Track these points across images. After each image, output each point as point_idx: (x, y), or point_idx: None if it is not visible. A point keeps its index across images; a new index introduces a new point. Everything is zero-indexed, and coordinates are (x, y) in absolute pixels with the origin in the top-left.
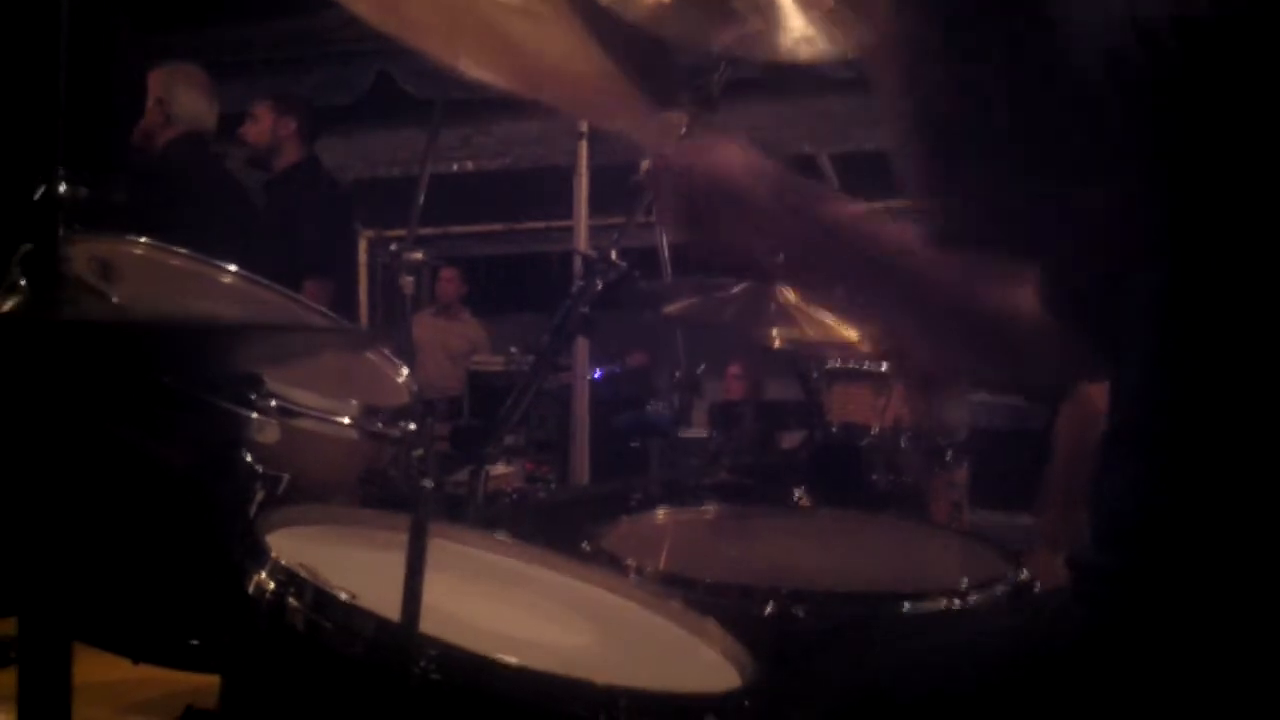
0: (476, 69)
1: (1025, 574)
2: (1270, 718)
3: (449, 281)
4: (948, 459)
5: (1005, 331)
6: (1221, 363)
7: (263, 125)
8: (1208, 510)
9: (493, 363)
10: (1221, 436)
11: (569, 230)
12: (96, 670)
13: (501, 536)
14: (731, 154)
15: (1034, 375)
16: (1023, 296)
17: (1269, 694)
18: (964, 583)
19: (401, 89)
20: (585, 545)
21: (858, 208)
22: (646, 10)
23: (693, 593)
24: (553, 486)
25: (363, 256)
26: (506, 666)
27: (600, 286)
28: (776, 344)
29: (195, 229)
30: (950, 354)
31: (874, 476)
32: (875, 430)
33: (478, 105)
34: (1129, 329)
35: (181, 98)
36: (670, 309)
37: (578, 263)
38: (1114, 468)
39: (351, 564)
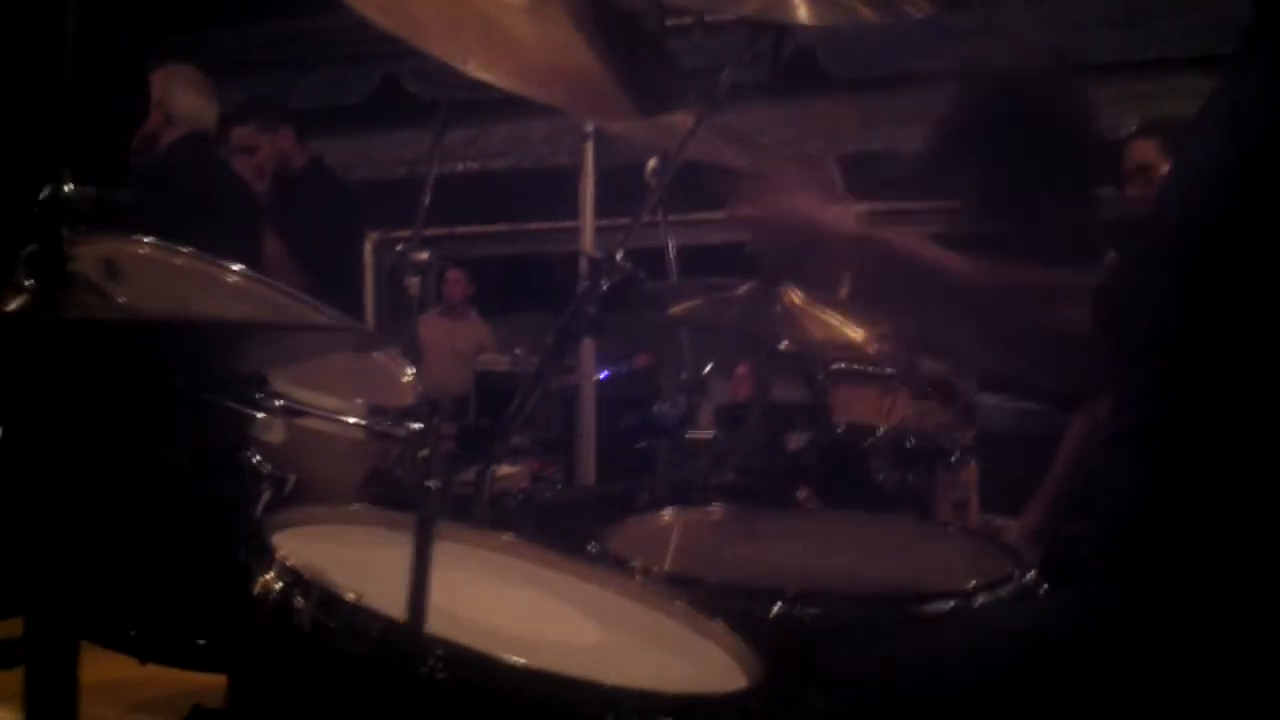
0: (482, 69)
1: (1031, 575)
2: (1269, 715)
3: (456, 283)
4: (953, 460)
5: (1073, 346)
6: (1226, 365)
7: (264, 153)
8: (1209, 510)
9: (499, 363)
10: (1224, 438)
11: (575, 231)
12: (103, 670)
13: (508, 537)
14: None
15: (1063, 382)
16: (1067, 309)
17: (1267, 692)
18: (970, 584)
19: (406, 90)
20: (591, 546)
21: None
22: None
23: (699, 593)
24: (559, 487)
25: (369, 257)
26: (513, 666)
27: (606, 287)
28: (783, 345)
29: (201, 229)
30: (986, 359)
31: (880, 477)
32: (881, 431)
33: (483, 106)
34: (1140, 333)
35: (181, 98)
36: (676, 310)
37: (583, 263)
38: (1116, 468)
39: (358, 564)
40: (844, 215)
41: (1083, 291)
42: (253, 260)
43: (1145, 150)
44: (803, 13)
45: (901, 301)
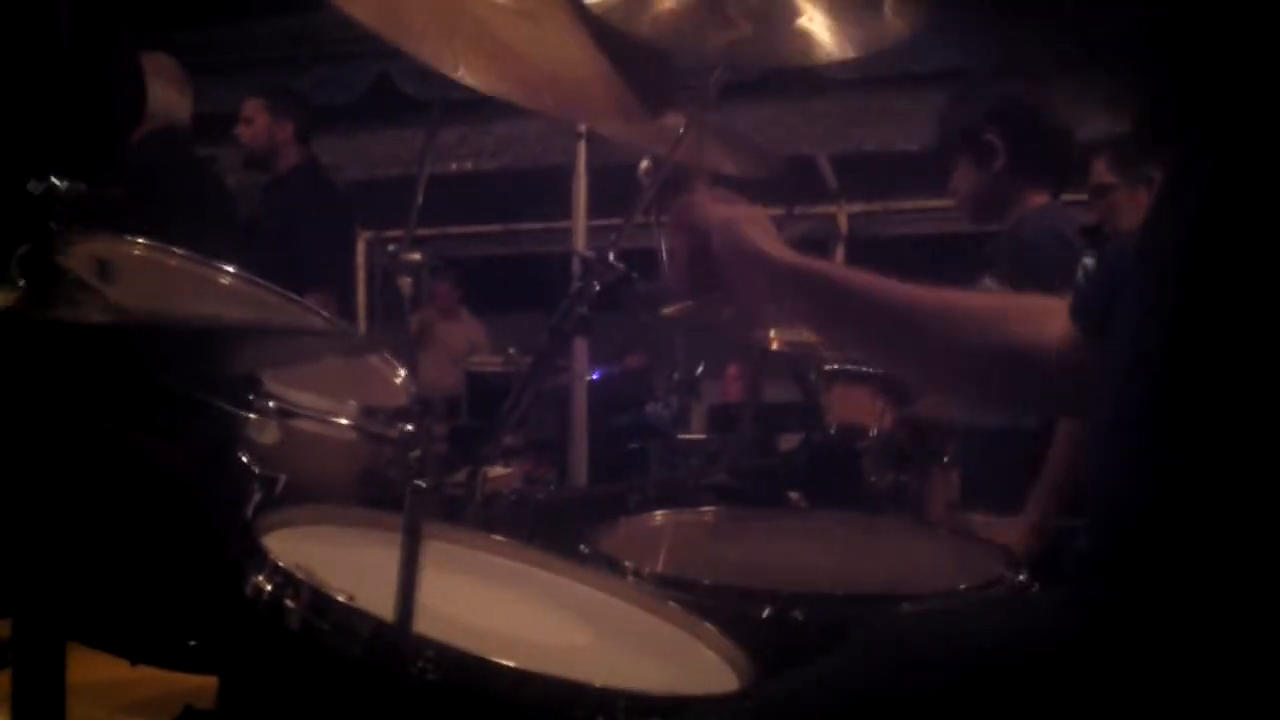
0: (474, 75)
1: (1023, 575)
2: (1269, 713)
3: (444, 295)
4: (945, 460)
5: (1028, 364)
6: (1229, 353)
7: (257, 127)
8: (1210, 501)
9: (491, 363)
10: (1226, 427)
11: (567, 231)
12: (94, 671)
13: (499, 538)
14: (744, 212)
15: (1049, 408)
16: (1052, 328)
17: (1268, 688)
18: (963, 585)
19: (400, 89)
20: (583, 547)
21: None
22: (641, 17)
23: (691, 595)
24: (551, 488)
25: (361, 257)
26: (504, 668)
27: (598, 287)
28: (774, 346)
29: (171, 225)
30: (961, 390)
31: (872, 478)
32: (873, 432)
33: (476, 105)
34: (1138, 319)
35: (154, 90)
36: (668, 311)
37: (576, 263)
38: (1115, 457)
39: (349, 565)
40: (778, 244)
41: (1032, 309)
42: (225, 258)
43: (1100, 170)
44: (778, 53)
45: (843, 330)
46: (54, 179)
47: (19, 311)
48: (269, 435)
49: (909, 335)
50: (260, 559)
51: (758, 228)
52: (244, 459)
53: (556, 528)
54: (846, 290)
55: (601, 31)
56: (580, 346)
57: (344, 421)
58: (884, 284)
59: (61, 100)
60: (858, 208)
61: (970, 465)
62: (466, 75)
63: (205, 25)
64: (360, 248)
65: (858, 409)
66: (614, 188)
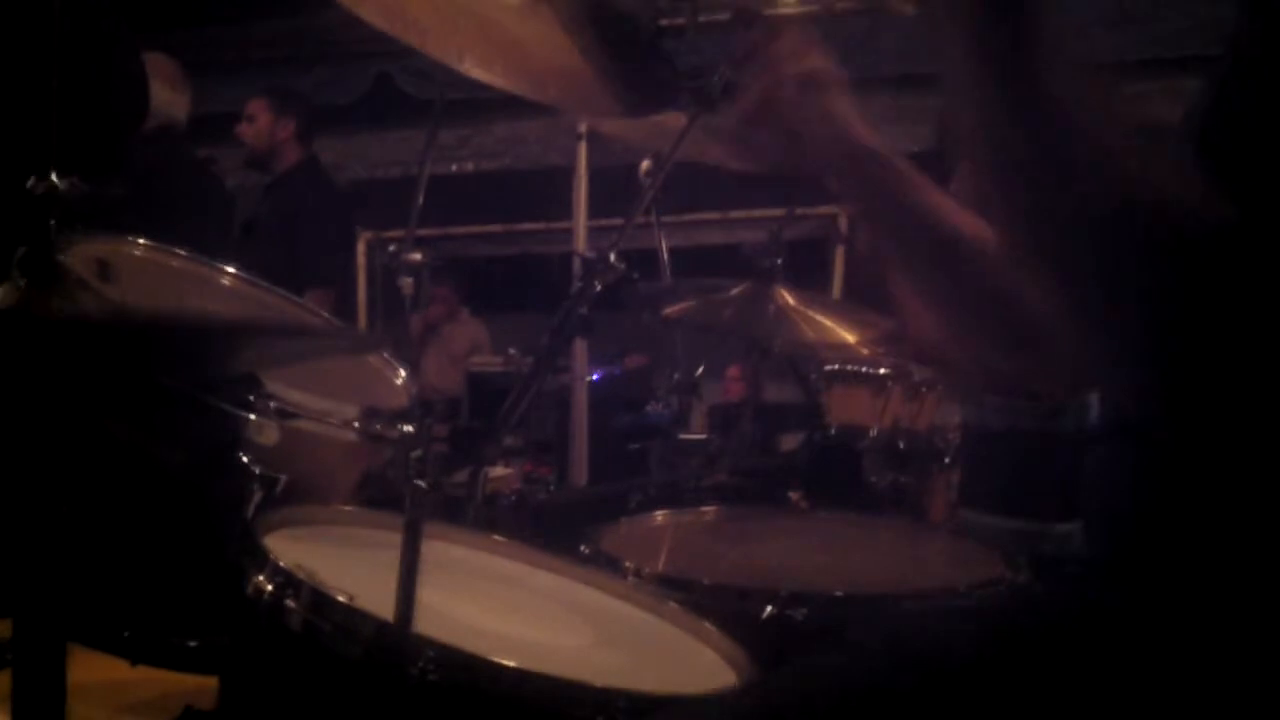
0: (477, 69)
1: (1024, 575)
2: (1269, 712)
3: (445, 295)
4: (946, 461)
5: (1035, 324)
6: (1230, 353)
7: (260, 125)
8: (1210, 501)
9: (492, 364)
10: (1222, 431)
11: (568, 231)
12: (94, 671)
13: (500, 538)
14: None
15: (1052, 373)
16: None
17: (1266, 689)
18: (962, 584)
19: (401, 89)
20: (584, 547)
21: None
22: None
23: (691, 594)
24: (551, 488)
25: (361, 258)
26: (505, 668)
27: (599, 288)
28: (775, 346)
29: (168, 226)
30: (969, 334)
31: (873, 478)
32: (874, 432)
33: (477, 106)
34: (1136, 323)
35: (152, 90)
36: (669, 311)
37: (577, 264)
38: (1111, 461)
39: (350, 565)
40: (858, 117)
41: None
42: (223, 257)
43: None
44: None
45: (881, 225)
46: (54, 178)
47: (20, 310)
48: (269, 436)
49: (939, 250)
50: (261, 559)
51: (845, 98)
52: (245, 459)
53: (557, 528)
54: (906, 193)
55: (604, 27)
56: (581, 347)
57: (344, 422)
58: (937, 196)
59: (62, 100)
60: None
61: (970, 466)
62: (471, 67)
63: (205, 25)
64: (361, 248)
65: (858, 409)
66: (614, 188)
